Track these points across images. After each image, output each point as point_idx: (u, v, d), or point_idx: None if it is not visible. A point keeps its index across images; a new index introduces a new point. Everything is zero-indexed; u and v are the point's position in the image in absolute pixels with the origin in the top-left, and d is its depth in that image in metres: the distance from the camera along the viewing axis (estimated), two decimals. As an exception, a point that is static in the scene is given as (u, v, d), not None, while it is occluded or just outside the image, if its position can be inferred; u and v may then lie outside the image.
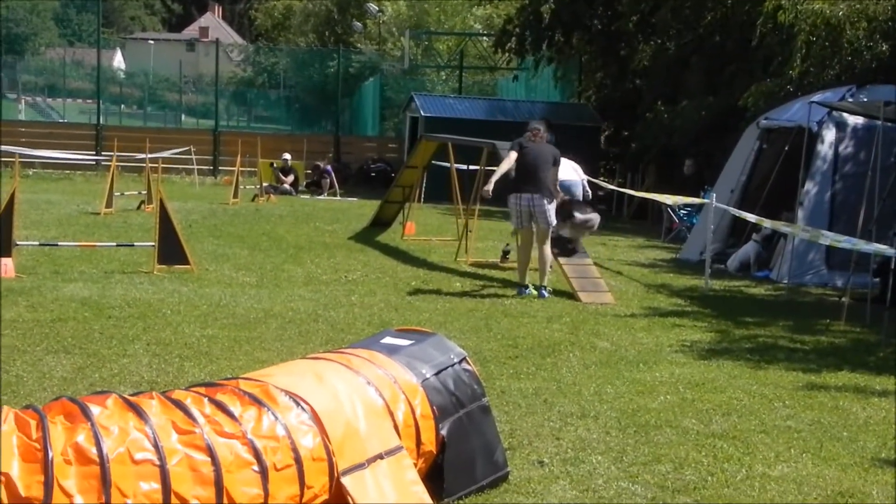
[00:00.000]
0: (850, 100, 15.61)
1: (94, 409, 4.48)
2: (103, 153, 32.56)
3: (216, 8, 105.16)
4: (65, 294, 11.53)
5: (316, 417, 4.94)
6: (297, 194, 29.71)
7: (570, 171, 15.03)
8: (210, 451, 4.50)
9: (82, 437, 4.32)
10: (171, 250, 13.47)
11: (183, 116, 51.77)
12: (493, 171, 13.35)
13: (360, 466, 4.97)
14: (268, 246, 16.87)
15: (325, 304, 11.83)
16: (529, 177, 12.99)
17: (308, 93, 45.64)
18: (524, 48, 30.75)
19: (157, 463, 4.36)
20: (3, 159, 26.81)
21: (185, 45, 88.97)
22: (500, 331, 10.74)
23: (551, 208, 13.05)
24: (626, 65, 29.75)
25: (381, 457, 5.09)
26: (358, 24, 51.20)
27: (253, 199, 26.21)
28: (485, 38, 41.04)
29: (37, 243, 14.64)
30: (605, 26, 29.36)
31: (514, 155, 13.04)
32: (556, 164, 13.28)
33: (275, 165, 30.35)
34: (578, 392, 8.26)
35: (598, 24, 29.50)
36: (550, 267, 13.27)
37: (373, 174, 33.65)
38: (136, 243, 15.11)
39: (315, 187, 30.64)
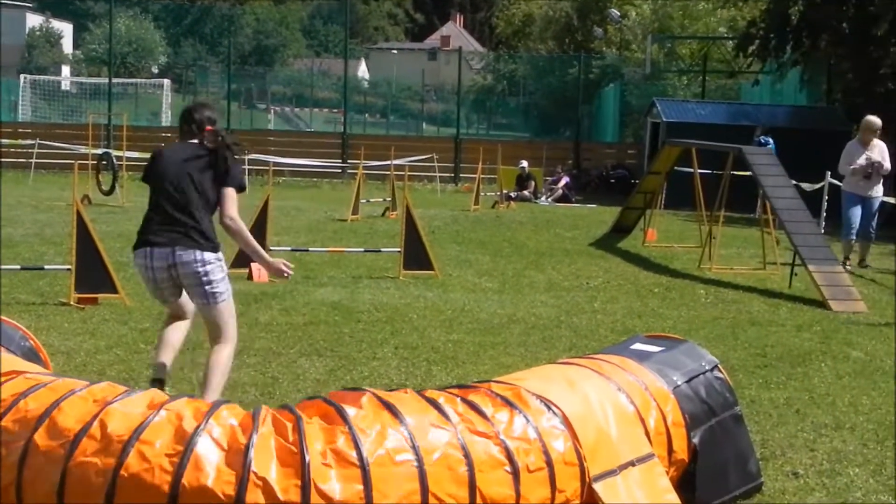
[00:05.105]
0: None
1: (350, 411, 4.56)
2: (349, 161, 33.47)
3: (458, 17, 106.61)
4: (316, 298, 11.87)
5: (567, 422, 4.92)
6: (536, 201, 29.80)
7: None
8: (464, 450, 4.54)
9: (341, 441, 4.39)
10: (416, 256, 13.72)
11: (424, 125, 52.69)
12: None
13: (611, 473, 4.92)
14: (509, 252, 16.98)
15: (567, 310, 11.82)
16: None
17: (547, 99, 45.73)
18: (767, 51, 29.99)
19: (416, 464, 4.41)
20: (255, 168, 28.11)
21: (427, 54, 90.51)
22: (748, 339, 10.51)
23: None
24: (877, 68, 28.61)
25: (632, 464, 5.03)
26: (599, 30, 50.97)
27: (493, 206, 26.42)
28: (729, 41, 40.19)
29: (288, 248, 15.14)
30: (855, 29, 28.27)
31: None
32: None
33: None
34: (832, 403, 8.02)
35: (846, 26, 28.44)
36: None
37: (612, 181, 33.54)
38: (382, 249, 15.44)
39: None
